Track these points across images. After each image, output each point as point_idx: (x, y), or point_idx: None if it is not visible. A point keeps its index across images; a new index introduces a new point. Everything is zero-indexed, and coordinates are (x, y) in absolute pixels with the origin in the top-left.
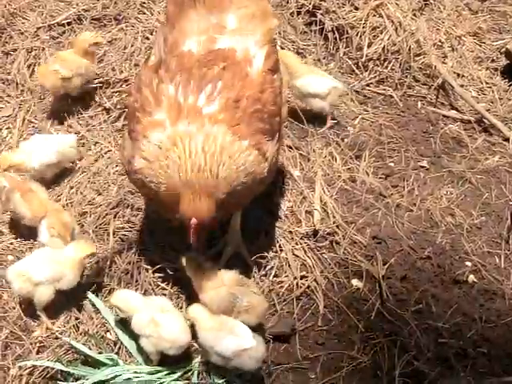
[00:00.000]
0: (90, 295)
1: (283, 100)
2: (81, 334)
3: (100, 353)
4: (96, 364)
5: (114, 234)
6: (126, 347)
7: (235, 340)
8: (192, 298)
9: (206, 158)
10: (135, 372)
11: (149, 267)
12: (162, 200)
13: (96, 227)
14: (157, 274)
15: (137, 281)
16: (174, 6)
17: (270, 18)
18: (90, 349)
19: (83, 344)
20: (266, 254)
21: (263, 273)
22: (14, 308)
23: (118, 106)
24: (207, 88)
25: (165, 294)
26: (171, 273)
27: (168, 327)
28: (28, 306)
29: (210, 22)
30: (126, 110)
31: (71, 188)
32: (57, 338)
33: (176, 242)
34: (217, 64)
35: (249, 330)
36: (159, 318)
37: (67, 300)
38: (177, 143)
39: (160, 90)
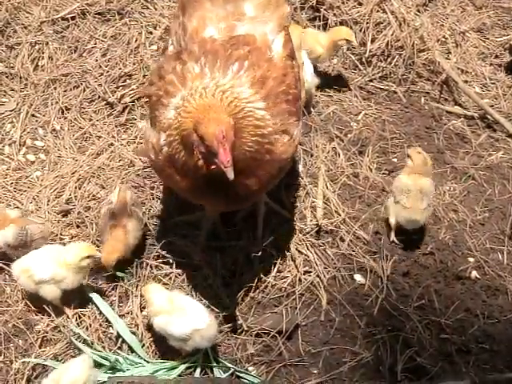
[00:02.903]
0: (94, 296)
1: (302, 83)
2: (83, 328)
3: (102, 347)
4: (98, 359)
5: None
6: (127, 342)
7: (187, 321)
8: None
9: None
10: (138, 367)
11: (151, 262)
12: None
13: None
14: (159, 270)
15: (139, 275)
16: None
17: (283, 5)
18: (92, 343)
19: (85, 339)
20: (269, 249)
21: (266, 268)
22: (17, 302)
23: (122, 101)
24: (234, 66)
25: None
26: (173, 268)
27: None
28: (31, 300)
29: (227, 10)
30: (148, 100)
31: (75, 182)
32: (60, 332)
33: (177, 238)
34: (241, 48)
35: (202, 308)
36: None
37: (70, 294)
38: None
39: (185, 69)
